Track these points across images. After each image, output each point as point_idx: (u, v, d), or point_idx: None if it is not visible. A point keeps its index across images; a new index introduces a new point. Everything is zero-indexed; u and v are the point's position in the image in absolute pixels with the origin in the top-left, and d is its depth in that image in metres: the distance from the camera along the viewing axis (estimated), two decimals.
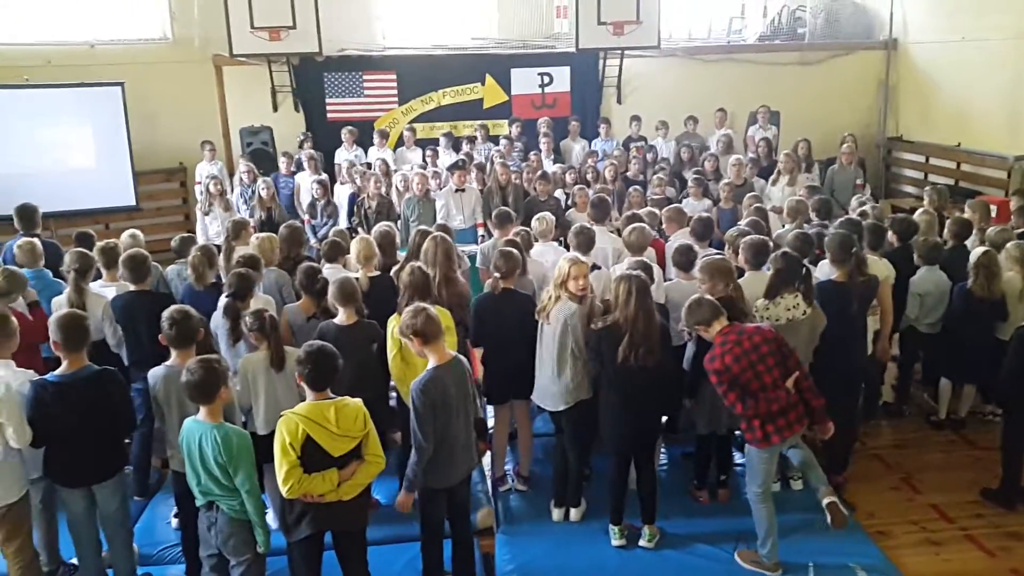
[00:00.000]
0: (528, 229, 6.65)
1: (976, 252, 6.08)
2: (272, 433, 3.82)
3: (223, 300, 5.06)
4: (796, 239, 5.89)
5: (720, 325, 4.47)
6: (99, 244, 6.11)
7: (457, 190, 8.93)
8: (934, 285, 6.19)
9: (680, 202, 8.49)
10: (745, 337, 4.40)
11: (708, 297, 4.66)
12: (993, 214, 7.78)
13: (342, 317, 4.93)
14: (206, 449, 3.72)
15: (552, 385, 5.00)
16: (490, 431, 5.80)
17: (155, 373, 4.30)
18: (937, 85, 12.28)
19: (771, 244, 5.65)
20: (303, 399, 3.86)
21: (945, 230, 6.89)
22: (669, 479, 5.71)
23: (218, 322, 5.05)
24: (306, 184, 9.84)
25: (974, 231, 6.88)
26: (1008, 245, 6.19)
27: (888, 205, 11.24)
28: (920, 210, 7.20)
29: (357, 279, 5.44)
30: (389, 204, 9.01)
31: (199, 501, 3.88)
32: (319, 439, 3.70)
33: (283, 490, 3.72)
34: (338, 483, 3.76)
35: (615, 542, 4.97)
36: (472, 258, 7.40)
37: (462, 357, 4.34)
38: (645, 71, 12.87)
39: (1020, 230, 6.91)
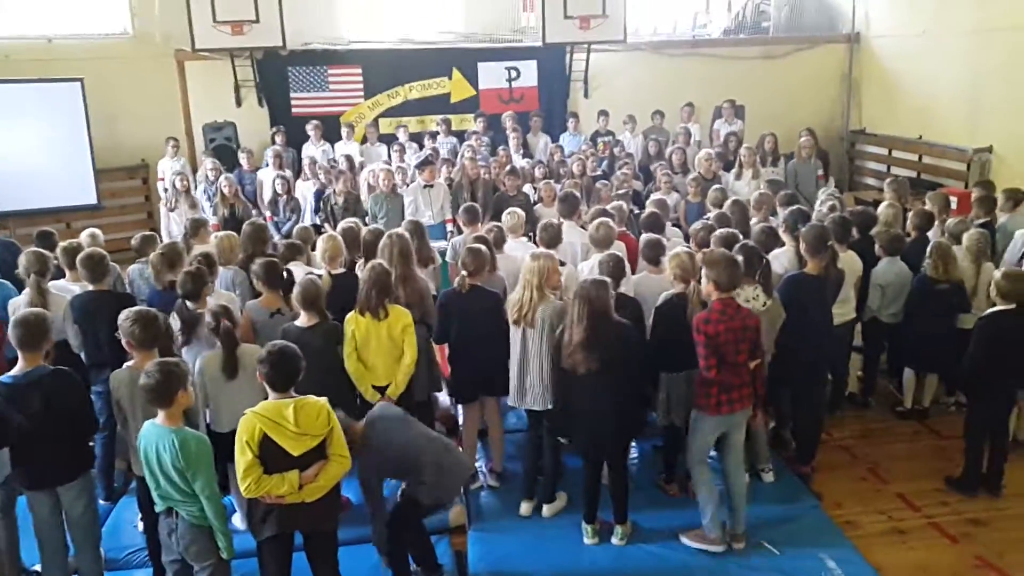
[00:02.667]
0: (500, 225, 6.61)
1: (933, 241, 6.21)
2: (235, 431, 3.76)
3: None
4: (761, 232, 5.95)
5: (727, 295, 4.58)
6: (62, 244, 6.00)
7: (425, 186, 8.86)
8: (895, 276, 6.28)
9: (647, 196, 8.50)
10: (740, 316, 4.56)
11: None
12: (953, 206, 7.93)
13: (304, 319, 4.87)
14: (163, 454, 3.64)
15: (539, 384, 4.98)
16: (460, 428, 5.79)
17: (117, 376, 4.20)
18: (899, 79, 12.44)
19: (740, 237, 5.67)
20: (266, 396, 3.81)
21: (908, 222, 6.99)
22: (639, 472, 5.71)
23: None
24: (269, 181, 9.72)
25: (935, 223, 6.99)
26: (963, 235, 6.31)
27: (851, 197, 11.37)
28: (885, 203, 7.29)
29: (320, 276, 5.38)
30: (356, 200, 8.93)
31: (159, 507, 3.79)
32: (277, 438, 3.65)
33: (241, 488, 3.68)
34: (299, 485, 3.70)
35: (588, 540, 4.96)
36: (442, 253, 7.34)
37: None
38: (611, 65, 12.86)
39: (980, 221, 7.03)
